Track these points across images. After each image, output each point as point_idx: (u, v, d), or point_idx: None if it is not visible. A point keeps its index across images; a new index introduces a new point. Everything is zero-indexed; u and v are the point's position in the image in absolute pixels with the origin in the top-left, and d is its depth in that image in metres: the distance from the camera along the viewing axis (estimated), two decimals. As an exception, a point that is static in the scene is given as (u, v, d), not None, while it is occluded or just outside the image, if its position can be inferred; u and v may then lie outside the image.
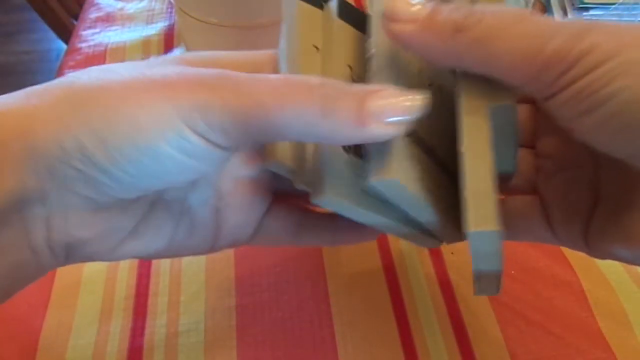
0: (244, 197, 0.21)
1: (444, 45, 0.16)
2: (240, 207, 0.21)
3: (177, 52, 0.47)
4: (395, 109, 0.15)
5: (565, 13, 0.46)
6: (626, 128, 0.14)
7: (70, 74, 0.17)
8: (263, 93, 0.15)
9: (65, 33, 0.97)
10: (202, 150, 0.16)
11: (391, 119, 0.15)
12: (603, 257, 0.19)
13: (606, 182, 0.19)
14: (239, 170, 0.21)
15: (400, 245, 0.33)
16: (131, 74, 0.16)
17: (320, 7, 0.22)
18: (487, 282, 0.19)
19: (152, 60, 0.19)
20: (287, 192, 0.23)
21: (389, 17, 0.17)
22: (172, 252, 0.20)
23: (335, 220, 0.23)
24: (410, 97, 0.15)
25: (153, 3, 0.54)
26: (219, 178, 0.21)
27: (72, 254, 0.18)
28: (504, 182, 0.22)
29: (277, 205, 0.23)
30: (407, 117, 0.15)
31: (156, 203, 0.19)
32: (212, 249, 0.21)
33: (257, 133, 0.16)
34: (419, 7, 0.17)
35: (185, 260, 0.32)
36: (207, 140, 0.16)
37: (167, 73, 0.16)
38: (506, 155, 0.21)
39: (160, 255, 0.20)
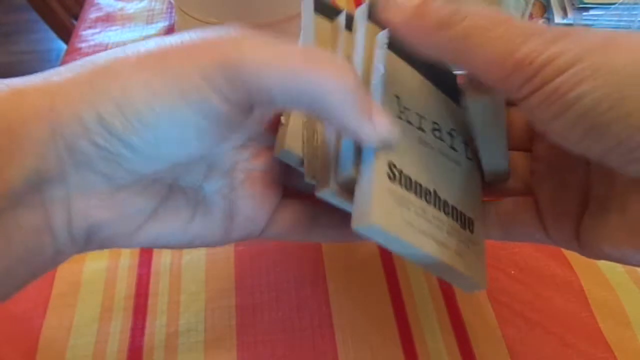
0: (255, 189, 0.22)
1: (428, 38, 0.17)
2: (252, 200, 0.22)
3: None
4: (382, 128, 0.17)
5: (565, 13, 0.46)
6: (593, 129, 0.15)
7: (92, 56, 0.17)
8: (295, 58, 0.16)
9: (65, 33, 0.97)
10: (220, 110, 0.16)
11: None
12: (595, 258, 0.19)
13: (595, 184, 0.19)
14: (250, 163, 0.22)
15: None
16: (148, 47, 0.17)
17: (331, 19, 0.24)
18: (451, 277, 0.19)
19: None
20: (297, 189, 0.23)
21: (383, 3, 0.18)
22: (188, 241, 0.21)
23: (345, 217, 0.23)
24: (390, 124, 0.17)
25: (153, 3, 0.54)
26: (231, 168, 0.22)
27: (91, 238, 0.18)
28: (500, 183, 0.23)
29: (288, 200, 0.23)
30: (388, 140, 0.17)
31: (173, 188, 0.20)
32: (225, 240, 0.22)
33: (279, 94, 0.16)
34: None
35: (185, 260, 0.33)
36: (227, 99, 0.16)
37: (185, 38, 0.17)
38: (496, 154, 0.21)
39: (176, 245, 0.21)
